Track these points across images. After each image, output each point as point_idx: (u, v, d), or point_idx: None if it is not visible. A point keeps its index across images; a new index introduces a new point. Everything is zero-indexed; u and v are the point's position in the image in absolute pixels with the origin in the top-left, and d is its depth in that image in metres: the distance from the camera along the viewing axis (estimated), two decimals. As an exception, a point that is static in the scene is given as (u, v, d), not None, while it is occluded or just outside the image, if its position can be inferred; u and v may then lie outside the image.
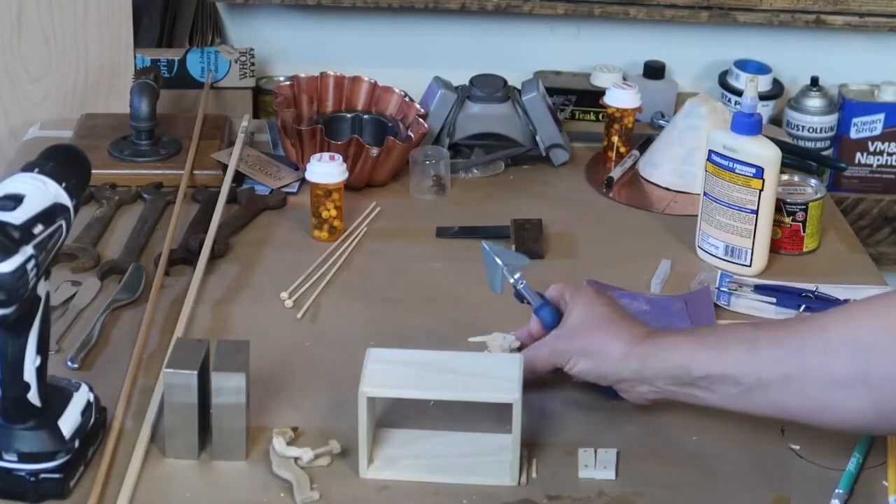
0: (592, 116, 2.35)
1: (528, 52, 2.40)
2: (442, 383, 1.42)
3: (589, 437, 1.51)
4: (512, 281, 1.55)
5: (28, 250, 1.29)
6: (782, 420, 1.46)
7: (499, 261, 1.55)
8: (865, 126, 2.38)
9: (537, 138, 2.10)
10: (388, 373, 1.43)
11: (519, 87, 2.12)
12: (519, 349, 1.54)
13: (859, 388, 1.33)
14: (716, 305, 1.75)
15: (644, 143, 2.13)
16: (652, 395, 1.47)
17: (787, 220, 1.87)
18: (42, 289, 1.35)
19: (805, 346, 1.37)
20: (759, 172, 1.79)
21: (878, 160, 2.40)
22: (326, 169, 1.87)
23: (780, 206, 1.86)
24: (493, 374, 1.43)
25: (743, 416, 1.55)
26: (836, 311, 1.42)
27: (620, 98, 2.10)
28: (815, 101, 2.36)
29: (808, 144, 2.35)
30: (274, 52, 2.42)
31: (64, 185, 1.35)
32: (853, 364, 1.33)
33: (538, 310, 1.55)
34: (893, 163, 2.40)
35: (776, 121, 2.40)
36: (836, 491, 1.42)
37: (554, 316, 1.53)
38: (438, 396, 1.43)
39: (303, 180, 2.00)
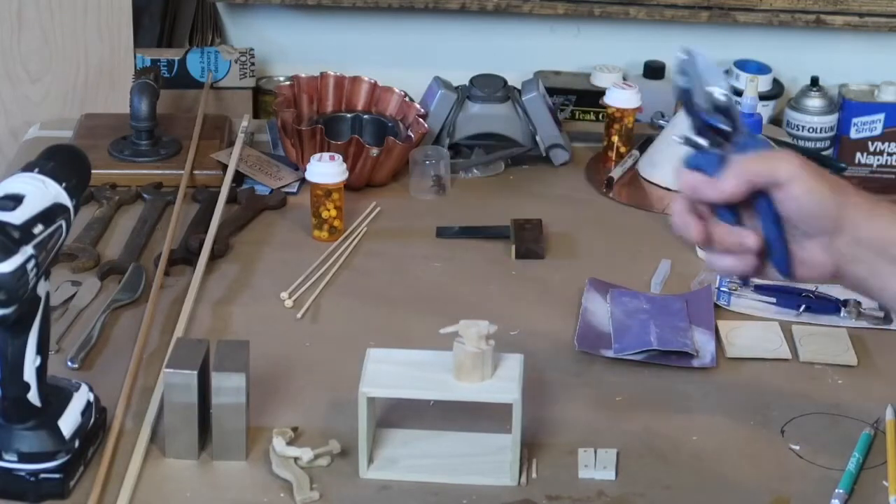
0: (592, 116, 2.35)
1: (528, 52, 2.40)
2: (442, 383, 1.42)
3: (589, 437, 1.51)
4: (723, 98, 1.27)
5: (28, 250, 1.29)
6: None
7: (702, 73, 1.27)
8: (865, 126, 2.38)
9: (537, 138, 2.10)
10: (388, 373, 1.43)
11: (519, 87, 2.12)
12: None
13: None
14: (716, 305, 1.75)
15: (644, 143, 2.13)
16: (838, 259, 1.28)
17: (787, 220, 1.87)
18: (42, 289, 1.35)
19: None
20: (759, 172, 1.78)
21: (878, 160, 2.40)
22: (326, 169, 1.87)
23: (780, 206, 1.86)
24: (495, 374, 1.43)
25: (742, 417, 1.55)
26: None
27: (620, 98, 2.10)
28: (815, 101, 2.36)
29: (808, 144, 2.35)
30: (274, 52, 2.42)
31: (64, 185, 1.35)
32: None
33: (744, 141, 1.26)
34: (893, 163, 2.40)
35: (776, 121, 2.40)
36: (836, 491, 1.42)
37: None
38: (438, 396, 1.43)
39: (303, 180, 2.00)
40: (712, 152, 1.27)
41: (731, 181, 1.25)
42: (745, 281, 1.33)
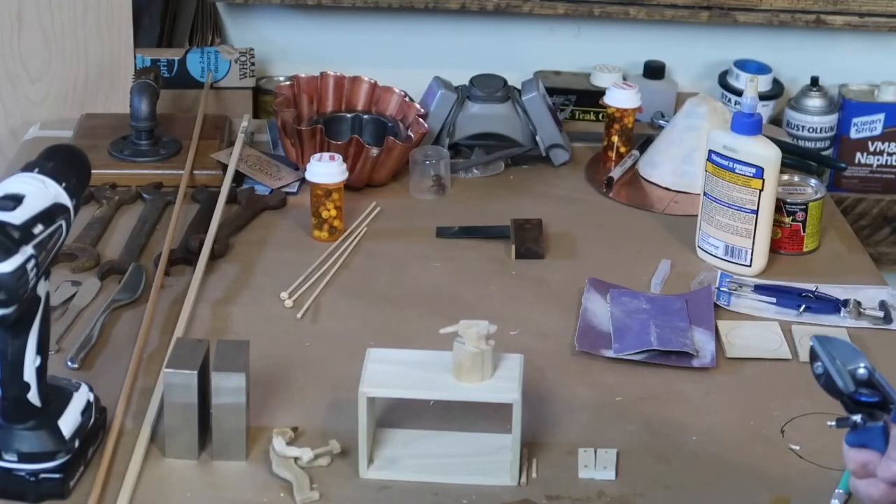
0: (592, 116, 2.34)
1: (528, 52, 2.40)
2: (442, 383, 1.42)
3: (589, 437, 1.51)
4: (863, 371, 1.25)
5: (28, 250, 1.29)
6: None
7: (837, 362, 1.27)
8: (865, 126, 2.37)
9: (537, 138, 2.10)
10: (388, 373, 1.43)
11: (519, 87, 2.12)
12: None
13: None
14: (716, 305, 1.75)
15: (644, 143, 2.13)
16: None
17: (787, 220, 1.87)
18: (42, 289, 1.35)
19: None
20: (759, 172, 1.79)
21: (878, 160, 2.40)
22: (326, 169, 1.87)
23: (780, 206, 1.86)
24: (495, 374, 1.43)
25: (742, 417, 1.55)
26: None
27: (620, 98, 2.10)
28: (815, 101, 2.36)
29: (808, 144, 2.35)
30: (274, 52, 2.42)
31: (64, 185, 1.35)
32: None
33: None
34: (893, 163, 2.40)
35: (776, 121, 2.40)
36: (836, 491, 1.42)
37: None
38: (438, 396, 1.43)
39: (303, 180, 2.00)
40: (872, 426, 1.23)
41: None
42: None
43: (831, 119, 2.36)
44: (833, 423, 1.26)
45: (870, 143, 2.38)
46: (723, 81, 2.38)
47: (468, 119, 2.10)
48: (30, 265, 1.29)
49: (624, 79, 2.33)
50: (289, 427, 1.49)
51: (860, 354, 1.26)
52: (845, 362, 1.25)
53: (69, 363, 1.60)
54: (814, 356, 1.26)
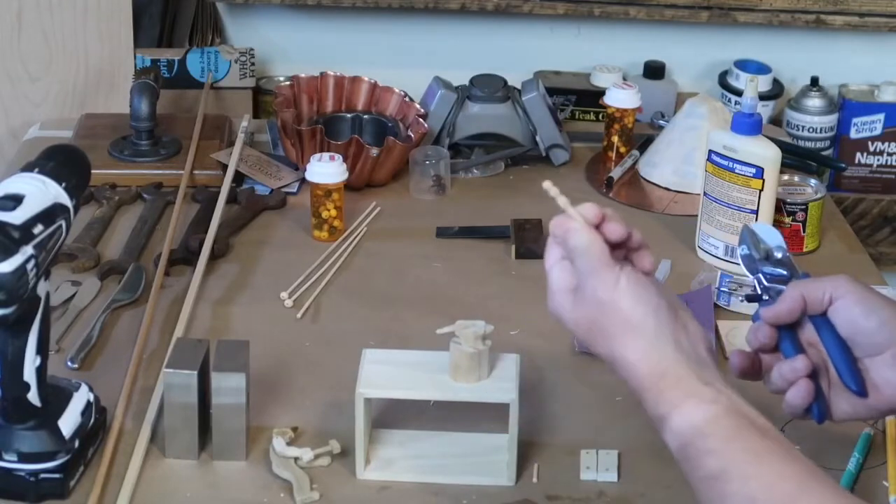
0: (592, 116, 2.34)
1: (528, 52, 2.40)
2: (439, 384, 1.42)
3: (590, 438, 1.50)
4: (779, 252, 1.40)
5: (28, 250, 1.29)
6: None
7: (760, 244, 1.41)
8: (865, 126, 2.37)
9: (537, 138, 2.10)
10: (385, 373, 1.43)
11: (519, 87, 2.12)
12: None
13: None
14: (716, 305, 1.75)
15: (644, 143, 2.13)
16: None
17: (787, 220, 1.87)
18: (42, 289, 1.35)
19: None
20: (759, 172, 1.79)
21: (878, 160, 2.40)
22: (326, 169, 1.87)
23: (780, 206, 1.86)
24: (492, 374, 1.43)
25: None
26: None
27: (620, 98, 2.10)
28: (815, 101, 2.36)
29: (808, 144, 2.35)
30: (274, 52, 2.42)
31: (64, 185, 1.35)
32: None
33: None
34: (893, 163, 2.40)
35: (776, 121, 2.40)
36: (836, 491, 1.42)
37: None
38: (435, 397, 1.43)
39: (303, 180, 2.00)
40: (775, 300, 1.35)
41: (784, 301, 1.33)
42: (820, 417, 1.33)
43: (831, 119, 2.36)
44: (742, 298, 1.45)
45: (870, 143, 2.38)
46: (723, 81, 2.38)
47: (468, 119, 2.10)
48: (30, 265, 1.29)
49: (624, 79, 2.33)
50: (289, 427, 1.49)
51: (780, 237, 1.41)
52: (766, 243, 1.40)
53: (69, 363, 1.60)
54: (741, 240, 1.42)
